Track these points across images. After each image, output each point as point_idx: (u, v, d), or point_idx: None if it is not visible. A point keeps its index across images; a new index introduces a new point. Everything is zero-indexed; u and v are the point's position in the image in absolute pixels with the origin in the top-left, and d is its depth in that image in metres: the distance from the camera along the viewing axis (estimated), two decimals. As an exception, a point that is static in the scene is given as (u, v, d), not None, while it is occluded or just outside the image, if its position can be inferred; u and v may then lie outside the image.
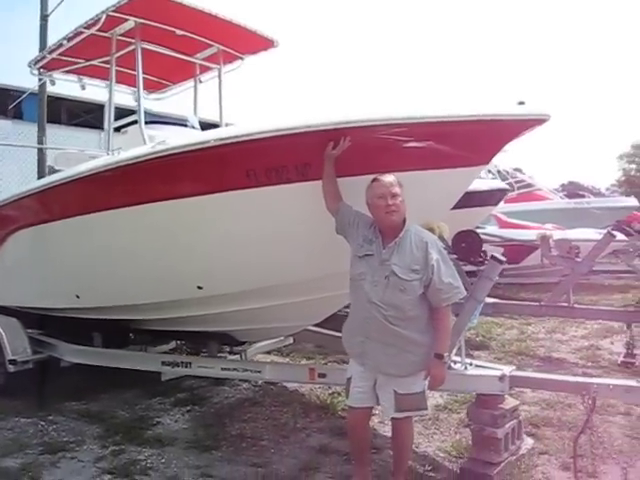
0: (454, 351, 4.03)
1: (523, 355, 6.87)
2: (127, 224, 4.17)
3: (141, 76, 5.15)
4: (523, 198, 13.98)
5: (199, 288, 4.23)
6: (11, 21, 48.64)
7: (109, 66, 6.11)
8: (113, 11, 4.84)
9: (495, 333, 7.85)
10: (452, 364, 4.02)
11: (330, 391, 5.34)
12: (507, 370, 3.94)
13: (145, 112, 5.38)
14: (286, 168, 3.54)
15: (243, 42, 5.82)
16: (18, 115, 16.51)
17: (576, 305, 7.12)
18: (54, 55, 5.68)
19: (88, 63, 6.02)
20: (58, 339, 5.56)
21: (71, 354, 5.32)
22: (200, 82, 6.56)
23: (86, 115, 17.82)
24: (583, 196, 18.35)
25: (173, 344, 6.20)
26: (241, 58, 6.11)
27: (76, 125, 17.69)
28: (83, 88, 6.55)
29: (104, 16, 4.86)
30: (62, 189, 4.61)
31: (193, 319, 4.61)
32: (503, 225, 11.01)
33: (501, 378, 3.87)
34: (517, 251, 9.82)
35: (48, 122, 12.38)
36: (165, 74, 6.54)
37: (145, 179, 3.96)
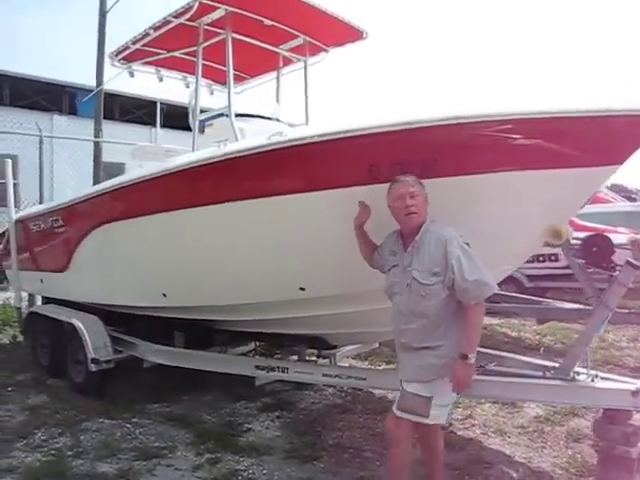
0: (577, 362, 3.76)
1: (611, 364, 6.48)
2: (228, 221, 3.94)
3: (231, 67, 4.93)
4: (585, 200, 13.38)
5: (301, 289, 4.00)
6: (64, 21, 49.69)
7: (189, 57, 5.99)
8: (206, -2, 4.67)
9: (574, 339, 7.45)
10: (576, 375, 3.74)
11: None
12: (641, 384, 3.61)
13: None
14: (412, 163, 3.29)
15: (330, 33, 5.57)
16: (72, 111, 16.68)
17: (670, 314, 6.69)
18: (138, 46, 5.50)
19: (169, 54, 5.86)
20: (139, 338, 5.39)
21: (155, 354, 5.11)
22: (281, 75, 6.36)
23: (137, 111, 17.92)
24: (635, 200, 17.64)
25: (252, 345, 6.00)
26: (325, 50, 5.88)
27: (127, 121, 17.77)
28: (161, 80, 6.38)
29: (197, 4, 4.68)
30: (154, 183, 4.42)
31: (289, 321, 4.36)
32: (577, 228, 10.53)
33: (635, 393, 3.53)
34: (593, 255, 9.34)
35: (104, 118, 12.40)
36: (244, 67, 6.26)
37: (254, 173, 3.73)
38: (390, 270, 3.13)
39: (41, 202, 8.61)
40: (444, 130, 3.21)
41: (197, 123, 5.15)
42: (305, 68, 5.83)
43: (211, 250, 4.19)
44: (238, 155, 3.71)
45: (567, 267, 6.48)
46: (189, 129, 5.41)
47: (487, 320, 7.81)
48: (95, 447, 4.22)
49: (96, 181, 11.92)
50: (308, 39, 5.65)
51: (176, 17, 4.92)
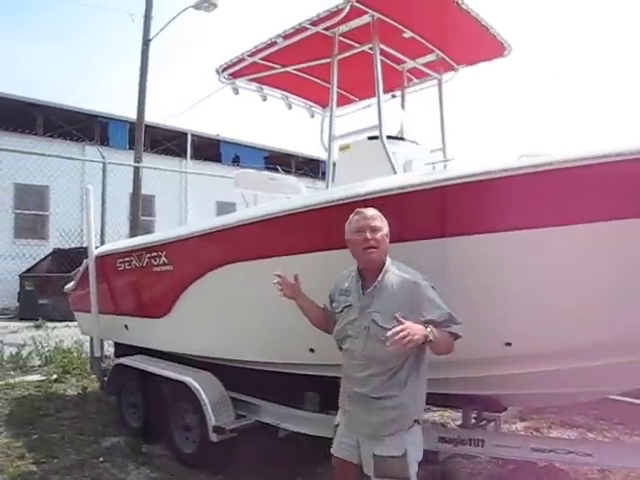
0: None
1: None
2: (433, 260, 3.19)
3: (381, 82, 4.24)
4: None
5: (507, 345, 3.26)
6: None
7: (301, 74, 5.38)
8: (357, 1, 4.02)
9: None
10: None
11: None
12: None
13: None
14: None
15: (467, 48, 4.95)
16: (105, 141, 16.07)
17: None
18: (255, 58, 4.82)
19: (282, 70, 5.17)
20: (258, 399, 4.54)
21: (294, 422, 4.19)
22: (393, 97, 5.71)
23: (168, 142, 17.31)
24: None
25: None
26: (454, 69, 5.23)
27: (157, 152, 17.05)
28: (264, 99, 5.65)
29: (348, 6, 4.02)
30: (313, 215, 3.70)
31: (479, 380, 3.59)
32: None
33: None
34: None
35: (132, 148, 11.97)
36: (355, 87, 5.60)
37: (474, 205, 3.04)
38: (342, 311, 2.90)
39: (102, 236, 7.82)
40: None
41: (332, 145, 4.46)
42: (439, 86, 5.16)
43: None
44: (460, 182, 3.02)
45: None
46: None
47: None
48: None
49: (135, 212, 11.32)
50: (441, 55, 5.00)
51: (314, 24, 4.28)
